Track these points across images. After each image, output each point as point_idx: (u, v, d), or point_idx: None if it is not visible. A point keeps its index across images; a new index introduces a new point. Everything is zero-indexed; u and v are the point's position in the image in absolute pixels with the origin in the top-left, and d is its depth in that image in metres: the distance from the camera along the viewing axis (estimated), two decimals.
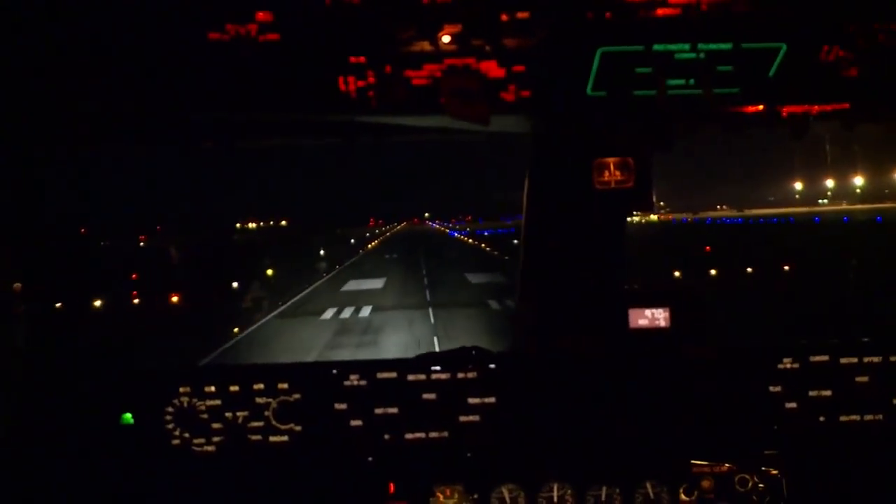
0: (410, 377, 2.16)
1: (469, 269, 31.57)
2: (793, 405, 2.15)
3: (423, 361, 2.19)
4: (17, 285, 2.23)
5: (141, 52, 1.63)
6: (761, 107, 1.84)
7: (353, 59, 1.68)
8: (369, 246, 66.97)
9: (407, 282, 29.63)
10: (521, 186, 2.34)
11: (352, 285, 29.28)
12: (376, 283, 29.20)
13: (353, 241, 73.16)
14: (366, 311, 20.54)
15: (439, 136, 2.17)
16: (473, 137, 2.23)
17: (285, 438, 2.16)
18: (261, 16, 1.58)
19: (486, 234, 73.27)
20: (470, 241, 64.39)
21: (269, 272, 32.74)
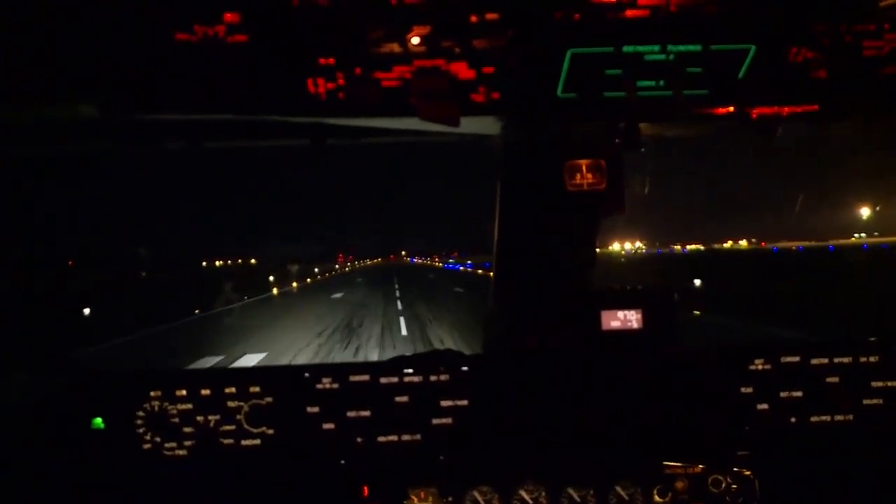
0: (383, 380, 2.14)
1: None
2: (764, 406, 2.16)
3: (396, 364, 2.18)
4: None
5: (107, 53, 1.60)
6: (731, 108, 1.84)
7: (322, 61, 1.66)
8: (294, 285, 45.10)
9: None
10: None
11: None
12: None
13: (270, 278, 51.74)
14: None
15: (412, 137, 2.16)
16: (445, 139, 2.22)
17: (257, 442, 2.14)
18: (228, 17, 1.56)
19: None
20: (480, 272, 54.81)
21: None
